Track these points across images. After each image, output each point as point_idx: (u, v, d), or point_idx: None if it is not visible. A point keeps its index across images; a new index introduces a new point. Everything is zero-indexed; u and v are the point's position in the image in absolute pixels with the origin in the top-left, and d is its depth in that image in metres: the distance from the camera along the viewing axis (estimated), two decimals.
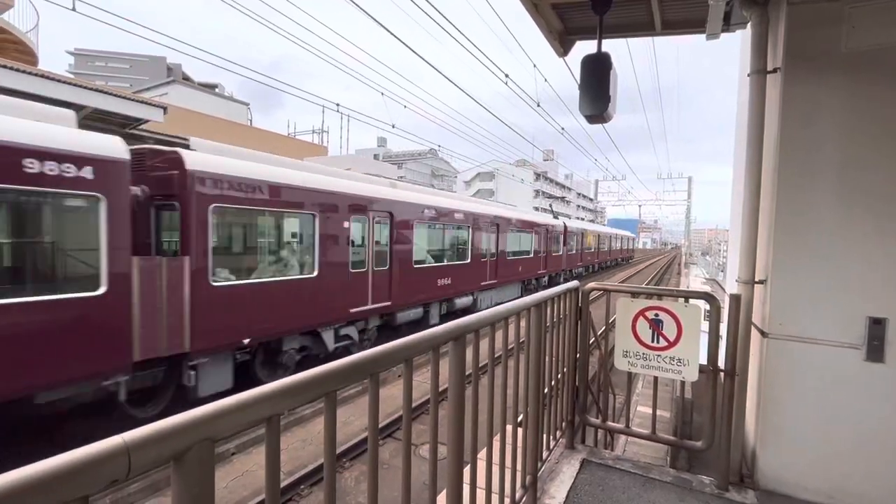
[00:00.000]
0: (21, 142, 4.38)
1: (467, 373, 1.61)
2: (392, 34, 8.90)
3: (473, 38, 9.59)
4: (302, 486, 4.86)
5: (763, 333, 2.54)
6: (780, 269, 2.49)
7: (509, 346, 2.22)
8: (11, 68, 7.18)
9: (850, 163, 2.36)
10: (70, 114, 5.21)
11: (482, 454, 1.82)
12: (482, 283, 13.68)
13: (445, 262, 11.98)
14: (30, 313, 4.48)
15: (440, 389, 1.44)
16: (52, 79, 7.67)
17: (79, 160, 4.73)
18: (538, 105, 13.77)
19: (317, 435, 6.08)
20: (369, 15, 8.44)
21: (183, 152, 5.89)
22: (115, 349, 5.09)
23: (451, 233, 12.40)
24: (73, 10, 7.25)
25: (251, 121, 28.64)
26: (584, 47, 3.46)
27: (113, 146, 5.10)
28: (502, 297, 14.80)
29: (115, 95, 8.47)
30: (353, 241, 8.59)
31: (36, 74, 7.57)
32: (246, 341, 6.52)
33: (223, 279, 6.33)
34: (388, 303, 9.55)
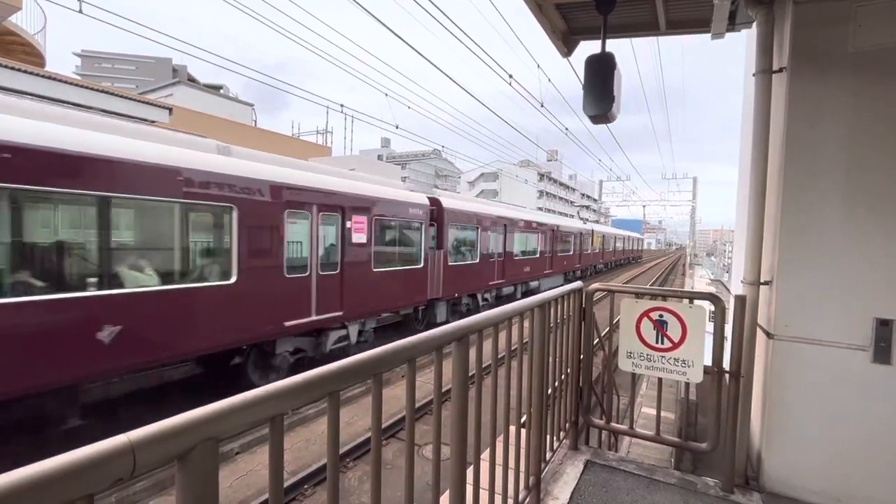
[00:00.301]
0: (414, 201, 10.53)
1: (471, 373, 1.61)
2: (396, 35, 8.92)
3: (477, 39, 9.59)
4: (305, 486, 4.87)
5: (769, 335, 2.52)
6: (785, 270, 2.48)
7: (513, 347, 2.22)
8: (20, 70, 7.25)
9: (856, 163, 2.34)
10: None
11: (485, 455, 1.82)
12: (545, 272, 19.55)
13: (537, 256, 18.82)
14: (406, 274, 10.37)
15: (443, 390, 1.44)
16: (61, 80, 7.75)
17: (424, 207, 10.92)
18: (542, 105, 13.75)
19: (320, 435, 6.09)
20: (372, 15, 8.46)
21: (440, 198, 12.08)
22: (422, 293, 11.00)
23: (533, 236, 18.53)
24: (80, 11, 7.31)
25: (255, 121, 28.77)
26: (587, 47, 3.46)
27: (425, 200, 11.18)
28: (554, 282, 20.26)
29: (121, 97, 8.54)
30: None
31: (44, 76, 7.65)
32: (464, 299, 13.30)
33: (453, 261, 12.33)
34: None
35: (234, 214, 6.42)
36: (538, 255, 18.67)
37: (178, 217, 6.01)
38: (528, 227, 17.74)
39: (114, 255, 5.44)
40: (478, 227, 13.52)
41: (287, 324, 7.31)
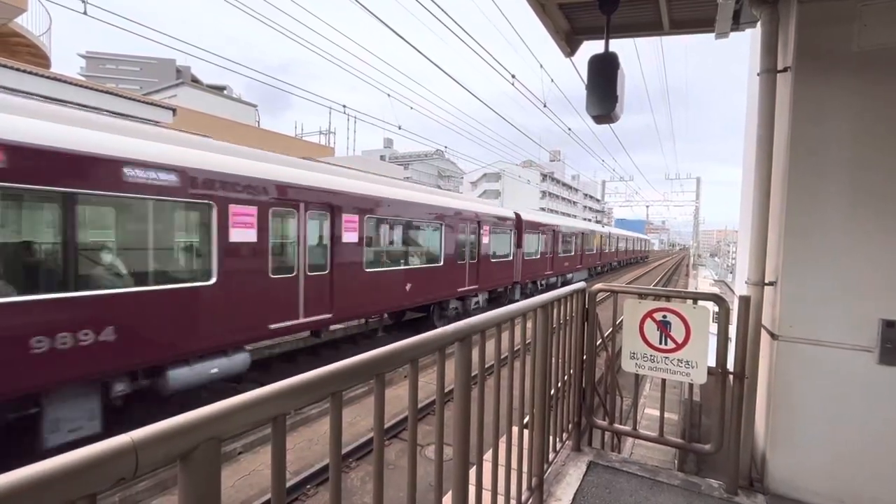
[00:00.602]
0: (508, 216, 15.44)
1: (473, 374, 1.61)
2: (398, 35, 8.92)
3: (479, 39, 9.59)
4: (308, 486, 4.88)
5: (773, 336, 2.51)
6: (790, 271, 2.46)
7: (515, 348, 2.21)
8: (26, 71, 7.30)
9: (861, 163, 2.32)
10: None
11: (488, 455, 1.82)
12: (576, 267, 23.93)
13: (572, 254, 23.21)
14: (506, 263, 15.09)
15: (446, 390, 1.44)
16: (66, 82, 7.79)
17: (512, 219, 15.62)
18: (545, 105, 13.73)
19: (323, 435, 6.10)
20: (375, 16, 8.47)
21: (520, 213, 16.13)
22: (510, 277, 15.46)
23: (570, 240, 22.90)
24: (84, 13, 7.35)
25: (259, 122, 28.86)
26: (591, 47, 3.45)
27: (513, 214, 15.78)
28: (581, 276, 24.65)
29: (126, 98, 8.58)
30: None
31: (50, 77, 7.69)
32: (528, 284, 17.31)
33: (528, 257, 16.54)
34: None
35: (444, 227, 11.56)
36: (572, 254, 23.67)
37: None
38: (570, 232, 23.30)
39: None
40: (540, 233, 18.46)
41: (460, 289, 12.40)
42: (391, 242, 10.04)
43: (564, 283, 20.20)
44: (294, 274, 7.22)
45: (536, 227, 18.00)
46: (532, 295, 14.25)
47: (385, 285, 9.38)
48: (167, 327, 5.56)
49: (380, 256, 9.56)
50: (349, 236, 8.25)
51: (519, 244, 16.07)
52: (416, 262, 10.52)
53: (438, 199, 11.62)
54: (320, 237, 7.85)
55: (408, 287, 9.99)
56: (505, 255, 15.06)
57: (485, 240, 13.34)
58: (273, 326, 6.86)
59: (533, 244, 17.66)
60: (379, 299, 9.29)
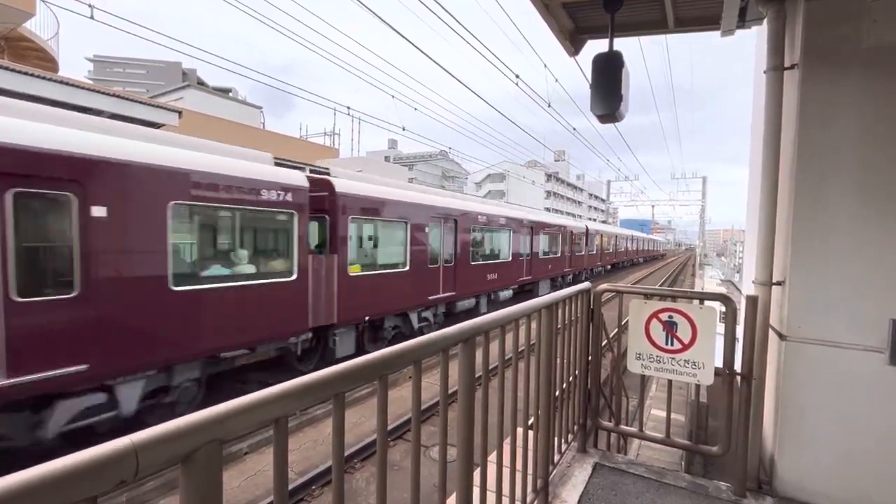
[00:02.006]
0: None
1: (477, 375, 1.60)
2: (402, 36, 8.93)
3: (483, 39, 9.58)
4: (313, 487, 4.88)
5: (781, 336, 2.47)
6: (798, 270, 2.43)
7: (520, 349, 2.20)
8: (34, 75, 7.38)
9: (869, 161, 2.29)
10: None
11: (492, 457, 1.81)
12: (598, 263, 27.71)
13: (594, 253, 26.47)
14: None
15: (450, 391, 1.43)
16: (73, 85, 7.87)
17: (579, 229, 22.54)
18: (549, 105, 13.70)
19: (328, 435, 6.11)
20: (379, 17, 8.49)
21: (587, 224, 23.06)
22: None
23: (595, 239, 26.43)
24: (91, 17, 7.42)
25: (264, 124, 29.01)
26: (595, 46, 3.43)
27: (584, 226, 24.58)
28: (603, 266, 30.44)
29: (133, 100, 8.65)
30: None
31: (58, 81, 7.77)
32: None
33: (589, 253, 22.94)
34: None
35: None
36: (594, 253, 26.90)
37: None
38: (613, 234, 31.19)
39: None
40: (601, 237, 26.02)
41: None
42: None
43: (613, 268, 33.00)
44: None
45: (597, 233, 26.70)
46: (577, 281, 21.53)
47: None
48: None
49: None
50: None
51: (587, 244, 23.85)
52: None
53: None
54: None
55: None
56: (581, 252, 22.87)
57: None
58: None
59: (594, 245, 25.80)
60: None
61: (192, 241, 6.06)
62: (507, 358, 1.80)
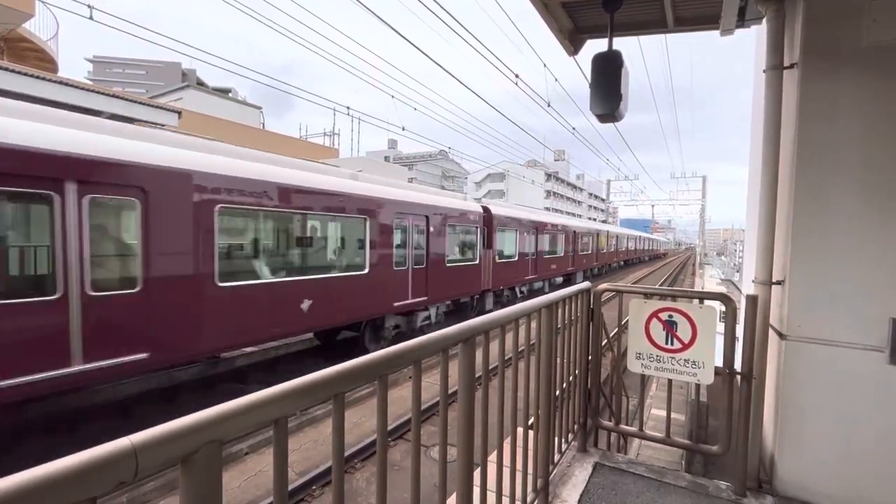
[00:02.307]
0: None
1: (477, 375, 1.60)
2: (401, 36, 8.93)
3: (483, 39, 9.57)
4: (314, 487, 4.88)
5: (781, 335, 2.47)
6: (798, 270, 2.43)
7: (520, 349, 2.20)
8: (34, 76, 7.38)
9: (870, 160, 2.29)
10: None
11: (493, 457, 1.81)
12: (613, 260, 33.07)
13: (612, 250, 32.85)
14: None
15: (450, 391, 1.43)
16: (73, 86, 7.87)
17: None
18: (549, 105, 13.70)
19: (328, 435, 6.10)
20: (378, 17, 8.49)
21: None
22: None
23: (612, 240, 32.29)
24: (91, 18, 7.42)
25: (263, 124, 29.00)
26: (594, 46, 3.43)
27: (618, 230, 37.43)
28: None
29: (132, 101, 8.65)
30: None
31: (57, 82, 7.77)
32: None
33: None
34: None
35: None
36: (613, 250, 32.78)
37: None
38: (630, 236, 39.49)
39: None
40: (627, 239, 35.59)
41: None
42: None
43: (628, 263, 40.87)
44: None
45: (615, 234, 33.91)
46: (607, 269, 30.92)
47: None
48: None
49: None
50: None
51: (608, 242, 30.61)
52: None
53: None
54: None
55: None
56: (604, 250, 29.50)
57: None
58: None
59: (612, 244, 32.48)
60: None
61: (453, 242, 11.72)
62: (507, 358, 1.80)
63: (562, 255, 20.25)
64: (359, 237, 8.35)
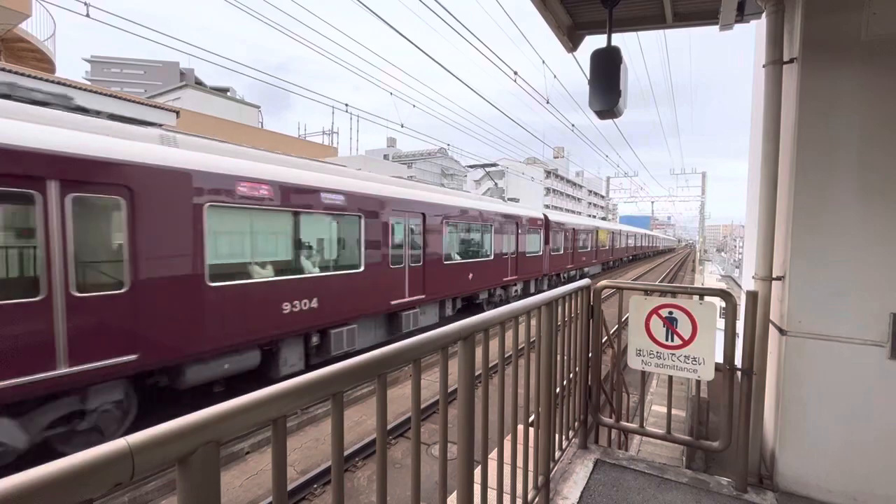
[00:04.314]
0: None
1: (477, 373, 1.59)
2: (399, 33, 8.90)
3: (481, 36, 9.54)
4: (315, 486, 4.89)
5: (781, 331, 2.47)
6: (798, 265, 2.42)
7: (520, 346, 2.19)
8: (31, 76, 7.35)
9: (870, 154, 2.28)
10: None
11: (493, 454, 1.80)
12: (639, 252, 45.07)
13: (638, 245, 46.55)
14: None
15: (451, 390, 1.42)
16: (70, 86, 7.84)
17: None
18: (547, 102, 13.66)
19: (329, 434, 6.11)
20: (377, 15, 8.46)
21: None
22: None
23: (630, 239, 40.90)
24: (87, 15, 7.39)
25: (262, 123, 28.93)
26: (593, 42, 3.42)
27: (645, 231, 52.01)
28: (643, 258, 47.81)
29: (130, 101, 8.63)
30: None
31: (54, 82, 7.74)
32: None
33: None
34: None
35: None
36: (625, 246, 36.47)
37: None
38: (642, 234, 46.60)
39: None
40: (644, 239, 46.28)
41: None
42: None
43: (635, 258, 45.44)
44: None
45: (630, 233, 39.95)
46: (617, 261, 35.16)
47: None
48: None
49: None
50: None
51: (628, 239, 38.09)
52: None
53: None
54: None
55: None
56: (621, 245, 35.11)
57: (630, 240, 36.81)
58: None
59: (629, 240, 39.28)
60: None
61: (531, 241, 16.30)
62: (507, 356, 1.80)
63: (589, 250, 25.39)
64: (492, 239, 13.60)
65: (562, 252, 19.99)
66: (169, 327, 5.39)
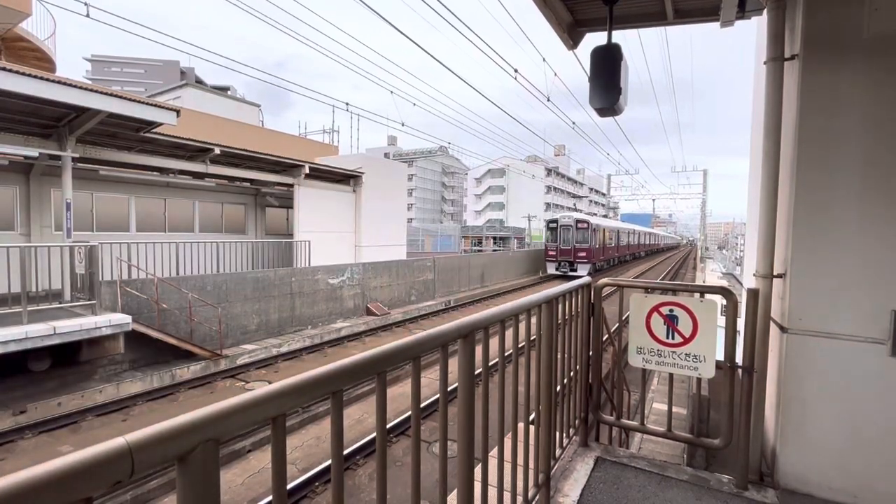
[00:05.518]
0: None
1: (477, 371, 1.59)
2: (400, 31, 8.88)
3: (481, 33, 9.51)
4: (316, 483, 4.91)
5: (782, 329, 2.47)
6: (799, 263, 2.42)
7: (520, 344, 2.19)
8: (31, 75, 7.35)
9: (871, 151, 2.27)
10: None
11: (494, 452, 1.80)
12: (651, 249, 56.12)
13: (651, 242, 59.34)
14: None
15: (451, 388, 1.42)
16: (71, 85, 7.84)
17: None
18: (548, 100, 13.63)
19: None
20: (377, 13, 8.44)
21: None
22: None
23: (633, 237, 44.42)
24: (87, 16, 7.39)
25: (262, 122, 28.92)
26: (594, 39, 3.40)
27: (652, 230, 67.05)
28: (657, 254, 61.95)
29: (131, 100, 8.63)
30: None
31: (55, 81, 7.74)
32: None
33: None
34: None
35: None
36: (643, 243, 44.28)
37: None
38: (652, 233, 58.43)
39: None
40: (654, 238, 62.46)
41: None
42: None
43: (648, 254, 52.30)
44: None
45: (644, 233, 49.70)
46: (634, 259, 45.20)
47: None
48: None
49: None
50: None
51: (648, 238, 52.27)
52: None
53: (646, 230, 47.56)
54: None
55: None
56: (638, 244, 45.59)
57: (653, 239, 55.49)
58: None
59: (649, 239, 51.07)
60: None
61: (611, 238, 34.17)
62: (507, 354, 1.80)
63: (622, 245, 35.50)
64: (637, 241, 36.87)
65: (613, 246, 32.67)
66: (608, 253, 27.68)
